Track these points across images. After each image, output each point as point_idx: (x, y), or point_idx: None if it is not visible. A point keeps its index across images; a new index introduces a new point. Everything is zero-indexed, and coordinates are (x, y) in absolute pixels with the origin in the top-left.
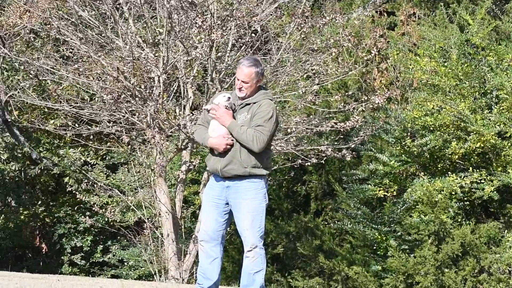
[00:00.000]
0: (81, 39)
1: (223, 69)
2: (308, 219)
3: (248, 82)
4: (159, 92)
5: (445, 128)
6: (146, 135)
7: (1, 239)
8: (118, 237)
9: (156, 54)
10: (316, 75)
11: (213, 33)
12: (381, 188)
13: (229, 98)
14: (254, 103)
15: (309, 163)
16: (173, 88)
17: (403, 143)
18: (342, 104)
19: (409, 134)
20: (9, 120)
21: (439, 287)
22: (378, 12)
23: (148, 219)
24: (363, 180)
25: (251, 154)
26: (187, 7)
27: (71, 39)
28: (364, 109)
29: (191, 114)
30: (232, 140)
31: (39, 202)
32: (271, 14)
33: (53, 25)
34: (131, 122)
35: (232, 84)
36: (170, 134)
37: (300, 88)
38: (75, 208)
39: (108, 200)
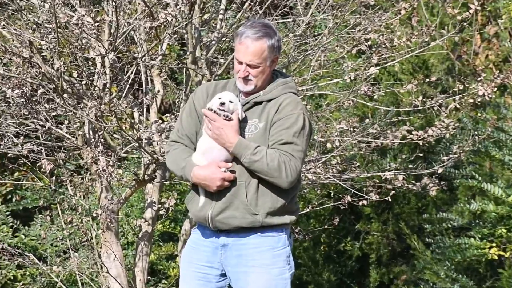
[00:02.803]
0: None
1: (213, 42)
2: None
3: (259, 65)
4: (104, 84)
5: None
6: (82, 159)
7: None
8: None
9: (98, 18)
10: (373, 49)
11: None
12: (494, 244)
13: (231, 102)
14: (269, 101)
15: (365, 202)
16: (128, 77)
17: None
18: (420, 98)
19: None
20: None
21: None
22: None
23: None
24: (461, 230)
25: (267, 191)
26: None
27: None
28: (459, 106)
29: (160, 121)
30: (234, 172)
31: None
32: None
33: None
34: (56, 137)
35: (230, 68)
36: (125, 156)
37: (346, 72)
38: None
39: (16, 273)
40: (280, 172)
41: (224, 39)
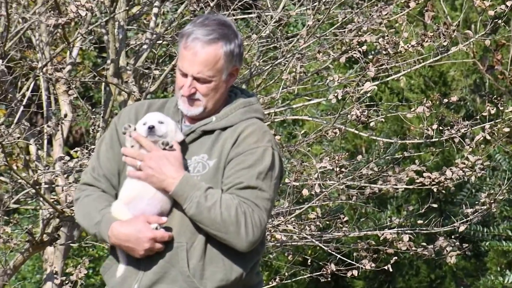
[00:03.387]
0: None
1: (145, 46)
2: None
3: (212, 79)
4: None
5: None
6: None
7: None
8: None
9: None
10: (370, 56)
11: None
12: None
13: (160, 122)
14: (224, 129)
15: (355, 273)
16: (22, 95)
17: None
18: (435, 126)
19: None
20: None
21: None
22: None
23: None
24: None
25: (218, 255)
26: None
27: None
28: (490, 137)
29: (68, 158)
30: (170, 229)
31: None
32: None
33: None
34: None
35: (168, 84)
36: (15, 207)
37: (331, 89)
38: None
39: None
40: (238, 227)
41: (160, 42)
